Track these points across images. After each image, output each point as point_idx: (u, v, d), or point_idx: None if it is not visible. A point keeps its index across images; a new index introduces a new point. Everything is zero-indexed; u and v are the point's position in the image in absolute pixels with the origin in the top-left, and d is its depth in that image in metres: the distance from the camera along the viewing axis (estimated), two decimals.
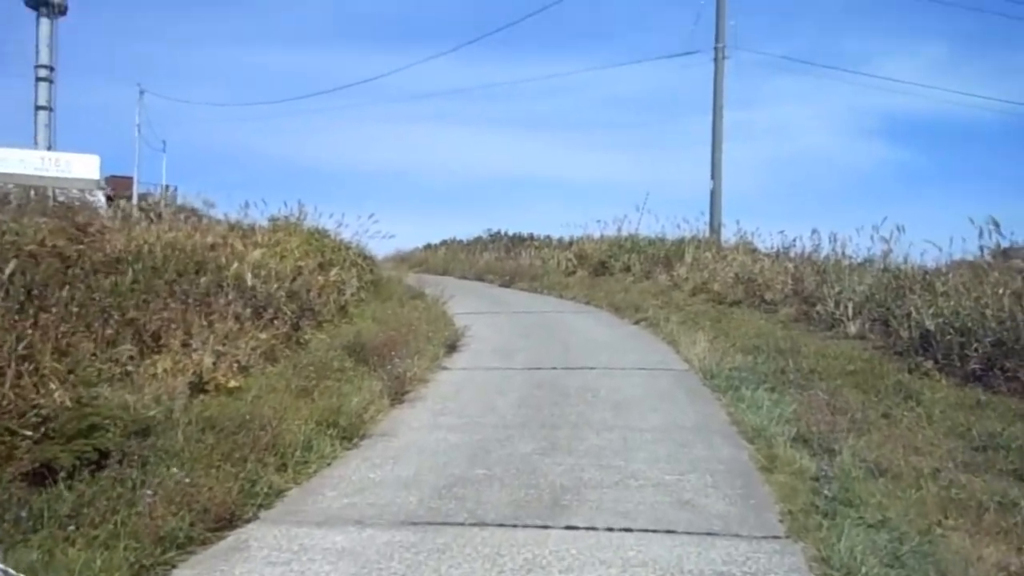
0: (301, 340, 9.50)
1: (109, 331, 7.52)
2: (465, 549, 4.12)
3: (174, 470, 5.12)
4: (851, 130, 68.09)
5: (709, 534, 4.27)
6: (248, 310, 9.12)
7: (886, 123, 65.95)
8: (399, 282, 16.73)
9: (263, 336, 8.60)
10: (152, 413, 6.27)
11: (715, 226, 19.61)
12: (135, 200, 37.66)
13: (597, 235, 20.68)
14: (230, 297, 9.11)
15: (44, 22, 44.73)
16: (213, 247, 11.14)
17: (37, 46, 44.67)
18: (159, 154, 51.23)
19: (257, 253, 10.70)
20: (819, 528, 4.20)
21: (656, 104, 73.50)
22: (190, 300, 8.63)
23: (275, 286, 10.05)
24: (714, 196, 20.67)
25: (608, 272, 18.52)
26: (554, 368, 9.60)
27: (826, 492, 4.70)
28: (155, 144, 45.32)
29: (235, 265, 10.51)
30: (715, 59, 22.54)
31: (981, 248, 9.49)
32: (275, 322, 9.42)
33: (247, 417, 6.40)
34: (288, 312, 9.68)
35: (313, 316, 10.34)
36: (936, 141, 58.97)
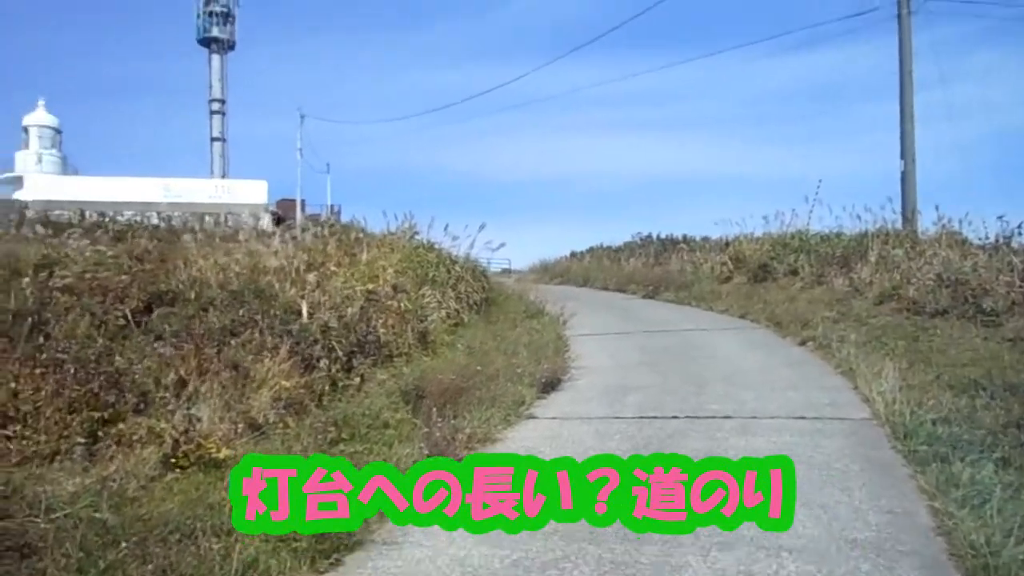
0: (349, 384, 7.57)
1: (93, 385, 5.94)
2: None
3: None
4: None
5: None
6: (284, 349, 7.35)
7: None
8: (519, 299, 14.64)
9: (287, 383, 6.74)
10: (55, 516, 4.51)
11: (908, 214, 15.95)
12: (298, 221, 38.52)
13: (758, 234, 17.56)
14: (256, 334, 7.38)
15: (215, 58, 47.04)
16: (274, 272, 9.58)
17: (209, 81, 47.05)
18: (324, 176, 52.65)
19: (312, 276, 8.96)
20: None
21: (816, 94, 67.95)
22: (206, 340, 6.99)
23: (328, 316, 8.24)
24: (906, 179, 16.94)
25: (770, 277, 15.43)
26: (675, 417, 7.06)
27: None
28: (319, 167, 46.37)
29: (290, 291, 8.90)
30: (898, 15, 18.79)
31: None
32: (320, 361, 7.59)
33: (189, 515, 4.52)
34: (339, 348, 7.83)
35: (377, 350, 8.41)
36: None
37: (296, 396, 6.83)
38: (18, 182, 38.42)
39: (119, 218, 34.11)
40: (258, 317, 7.73)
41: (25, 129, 43.69)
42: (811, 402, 7.49)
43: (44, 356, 5.74)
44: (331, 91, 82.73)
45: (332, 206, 46.12)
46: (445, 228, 13.70)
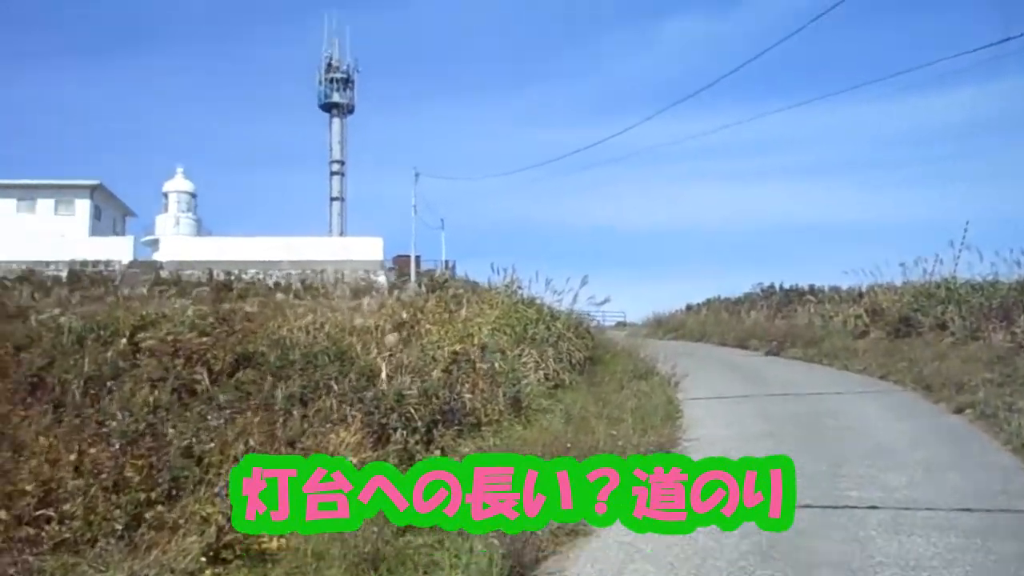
0: (428, 458, 6.80)
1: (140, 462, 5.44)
2: None
3: None
4: None
5: None
6: (357, 418, 6.70)
7: None
8: (628, 356, 13.59)
9: (353, 460, 6.04)
10: None
11: None
12: (413, 277, 38.92)
13: (897, 283, 15.85)
14: (331, 401, 6.78)
15: (335, 122, 48.85)
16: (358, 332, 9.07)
17: (330, 144, 48.84)
18: (438, 231, 53.47)
19: (392, 337, 8.35)
20: None
21: (951, 134, 63.88)
22: (268, 410, 6.44)
23: (408, 380, 7.57)
24: None
25: (914, 331, 13.72)
26: (806, 506, 5.84)
27: None
28: (434, 223, 46.95)
29: (372, 353, 8.32)
30: None
31: None
32: (396, 432, 6.89)
33: None
34: (417, 417, 7.10)
35: (461, 419, 7.63)
36: None
37: None
38: (156, 244, 40.73)
39: (244, 276, 35.53)
40: (332, 383, 7.15)
41: (165, 195, 46.63)
42: (978, 488, 6.12)
43: (88, 430, 5.27)
44: (445, 149, 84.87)
45: (447, 261, 46.48)
46: (547, 283, 12.95)
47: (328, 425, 6.45)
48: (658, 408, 9.55)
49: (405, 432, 6.90)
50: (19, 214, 38.33)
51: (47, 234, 36.38)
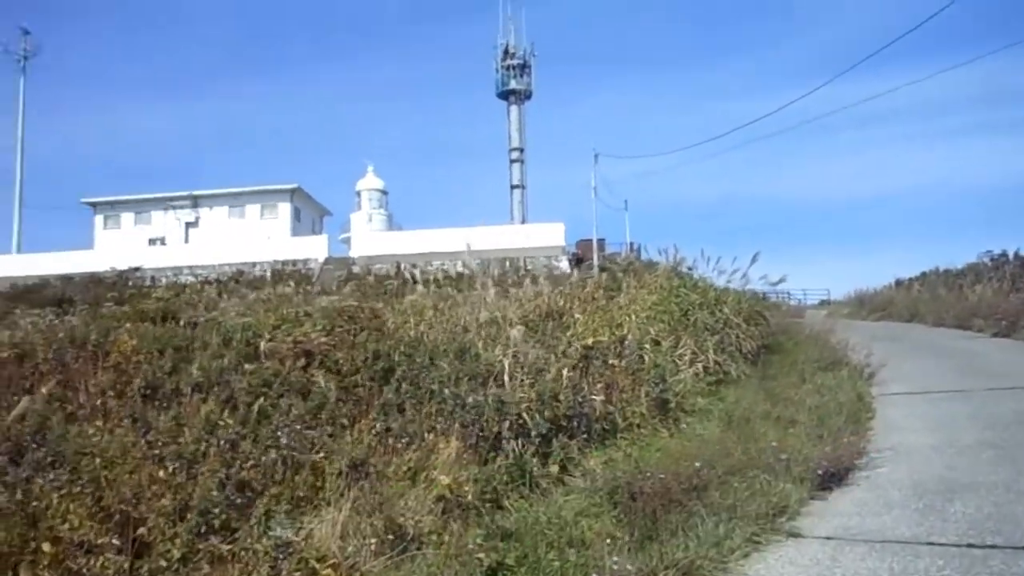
0: (547, 474, 5.82)
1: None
2: None
3: None
4: None
5: None
6: (459, 426, 5.87)
7: None
8: (815, 343, 11.78)
9: (444, 480, 5.18)
10: None
11: None
12: (595, 261, 37.99)
13: None
14: (437, 407, 5.98)
15: (513, 109, 48.87)
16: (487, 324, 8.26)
17: (508, 132, 48.95)
18: (622, 214, 52.15)
19: (517, 331, 7.40)
20: None
21: None
22: (370, 417, 5.76)
23: (523, 380, 6.63)
24: None
25: None
26: (1019, 547, 4.28)
27: None
28: (617, 205, 45.62)
29: (496, 350, 7.47)
30: None
31: None
32: (507, 443, 5.98)
33: None
34: (531, 424, 6.12)
35: (587, 426, 6.56)
36: None
37: (462, 492, 5.26)
38: (350, 241, 42.82)
39: (428, 268, 36.33)
40: (435, 385, 6.34)
41: (358, 193, 49.00)
42: None
43: (145, 451, 4.81)
44: (625, 129, 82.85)
45: (631, 243, 44.95)
46: (712, 261, 11.51)
47: (430, 436, 5.66)
48: (843, 407, 7.92)
49: (518, 443, 5.97)
50: (230, 219, 41.75)
51: (254, 237, 39.29)
